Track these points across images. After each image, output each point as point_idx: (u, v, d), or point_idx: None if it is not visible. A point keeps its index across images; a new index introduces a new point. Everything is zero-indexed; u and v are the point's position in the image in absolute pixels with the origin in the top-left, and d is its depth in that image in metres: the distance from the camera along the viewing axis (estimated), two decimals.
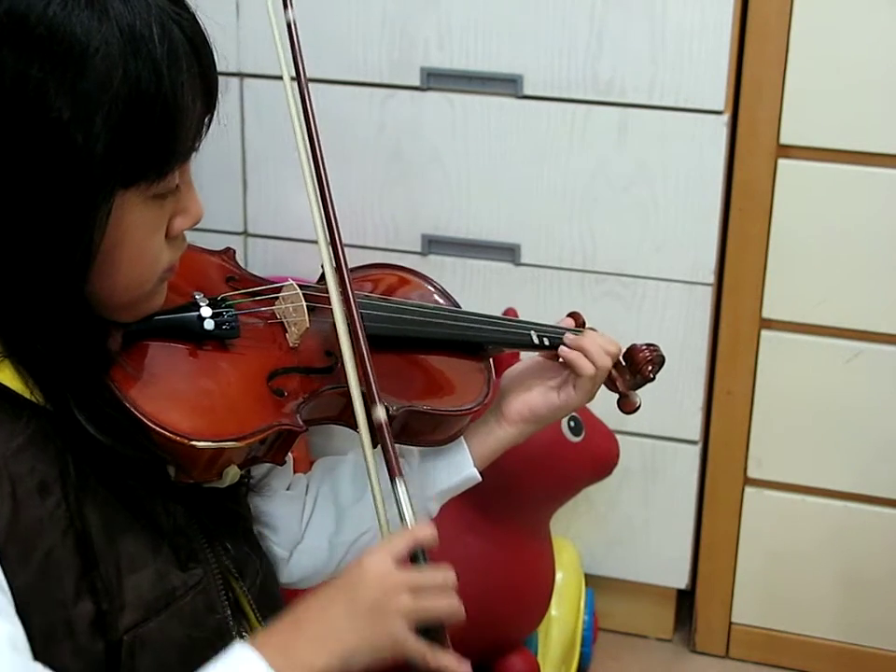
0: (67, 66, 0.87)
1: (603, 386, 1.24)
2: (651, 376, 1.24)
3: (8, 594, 0.88)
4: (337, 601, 0.95)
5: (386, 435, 1.02)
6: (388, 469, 1.01)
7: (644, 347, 1.24)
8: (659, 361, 1.24)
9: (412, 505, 1.01)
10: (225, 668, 0.90)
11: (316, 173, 1.10)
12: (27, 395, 0.93)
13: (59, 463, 0.93)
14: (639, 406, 1.25)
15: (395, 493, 1.00)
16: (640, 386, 1.25)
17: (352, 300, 1.08)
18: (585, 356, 1.19)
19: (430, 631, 0.96)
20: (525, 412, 1.22)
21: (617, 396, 1.25)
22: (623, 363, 1.25)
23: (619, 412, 1.25)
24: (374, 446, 1.04)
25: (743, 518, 2.06)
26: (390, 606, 0.94)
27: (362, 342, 1.06)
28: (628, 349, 1.25)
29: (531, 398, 1.22)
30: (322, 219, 1.10)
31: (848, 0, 1.79)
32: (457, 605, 0.97)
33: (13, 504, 0.90)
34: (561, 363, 1.21)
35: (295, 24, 1.10)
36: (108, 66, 0.88)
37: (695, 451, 2.04)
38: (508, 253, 2.00)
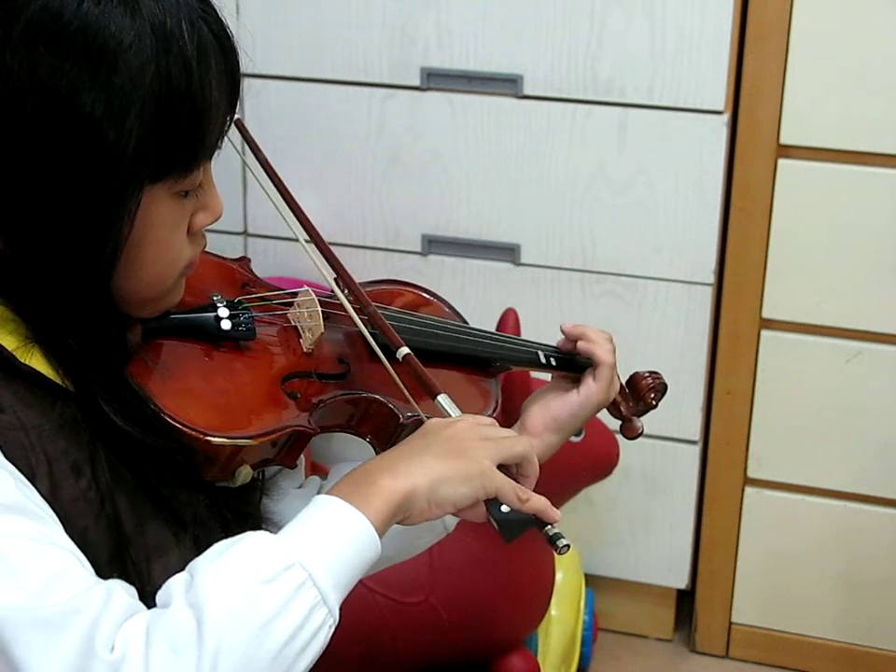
0: (101, 62, 0.88)
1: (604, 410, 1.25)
2: (654, 403, 1.26)
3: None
4: (411, 446, 0.97)
5: (416, 363, 1.06)
6: (428, 389, 1.06)
7: (647, 375, 1.25)
8: (661, 388, 1.25)
9: (460, 410, 1.05)
10: (308, 513, 0.91)
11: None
12: (58, 381, 0.94)
13: (89, 448, 0.94)
14: (642, 432, 1.26)
15: (441, 406, 1.05)
16: (643, 413, 1.26)
17: (363, 294, 1.11)
18: (591, 342, 1.20)
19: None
20: (548, 419, 1.22)
21: (620, 422, 1.27)
22: (627, 390, 1.26)
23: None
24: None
25: (743, 518, 2.06)
26: (467, 443, 0.97)
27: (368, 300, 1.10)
28: (631, 376, 1.26)
29: (551, 405, 1.22)
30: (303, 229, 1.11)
31: (848, 0, 1.79)
32: (531, 447, 1.00)
33: (51, 483, 0.91)
34: (575, 380, 1.22)
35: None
36: (141, 63, 0.89)
37: (695, 451, 2.04)
38: (508, 253, 2.00)
